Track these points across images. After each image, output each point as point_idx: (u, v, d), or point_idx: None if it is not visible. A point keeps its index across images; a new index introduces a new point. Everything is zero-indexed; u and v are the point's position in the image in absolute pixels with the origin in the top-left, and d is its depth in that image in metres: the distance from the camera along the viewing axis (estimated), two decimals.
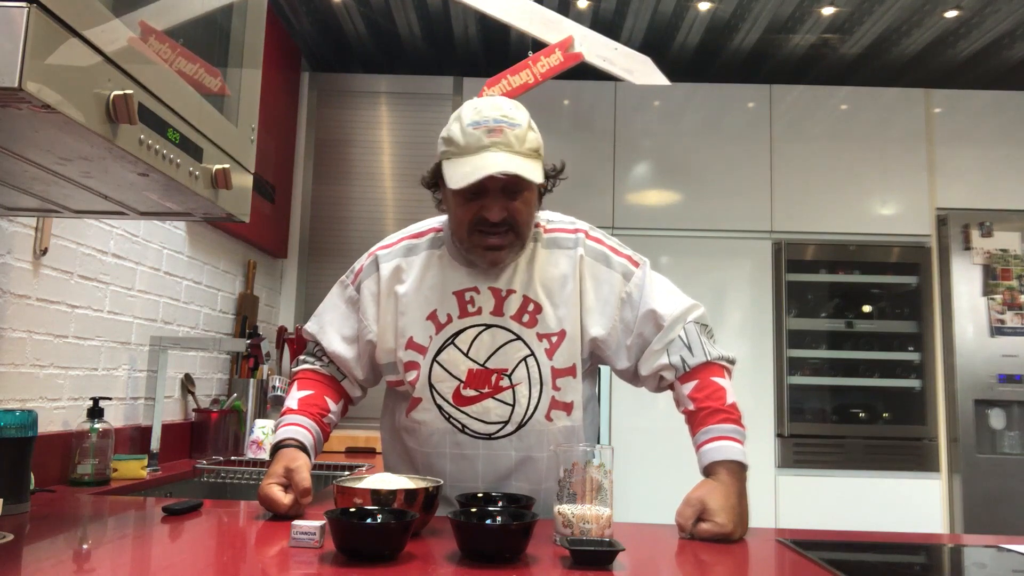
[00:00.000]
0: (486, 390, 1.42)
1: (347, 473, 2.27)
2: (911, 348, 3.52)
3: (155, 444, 2.16)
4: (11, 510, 1.33)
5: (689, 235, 3.57)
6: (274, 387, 2.68)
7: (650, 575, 1.11)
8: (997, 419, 3.41)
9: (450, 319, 1.44)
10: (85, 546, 1.17)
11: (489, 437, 1.43)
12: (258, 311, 3.22)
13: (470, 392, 1.42)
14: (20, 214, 1.65)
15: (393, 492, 1.17)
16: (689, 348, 1.42)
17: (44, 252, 1.78)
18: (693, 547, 1.25)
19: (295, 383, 1.53)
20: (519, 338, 1.43)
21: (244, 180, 1.47)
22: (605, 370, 1.49)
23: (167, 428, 2.30)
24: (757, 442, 3.37)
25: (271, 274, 3.46)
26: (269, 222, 3.26)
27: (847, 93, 3.67)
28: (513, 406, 1.42)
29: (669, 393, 1.49)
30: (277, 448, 1.40)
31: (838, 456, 3.41)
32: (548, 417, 1.43)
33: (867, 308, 3.61)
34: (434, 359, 1.43)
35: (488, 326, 1.43)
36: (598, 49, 2.81)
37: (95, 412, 1.87)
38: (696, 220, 3.59)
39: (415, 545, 1.15)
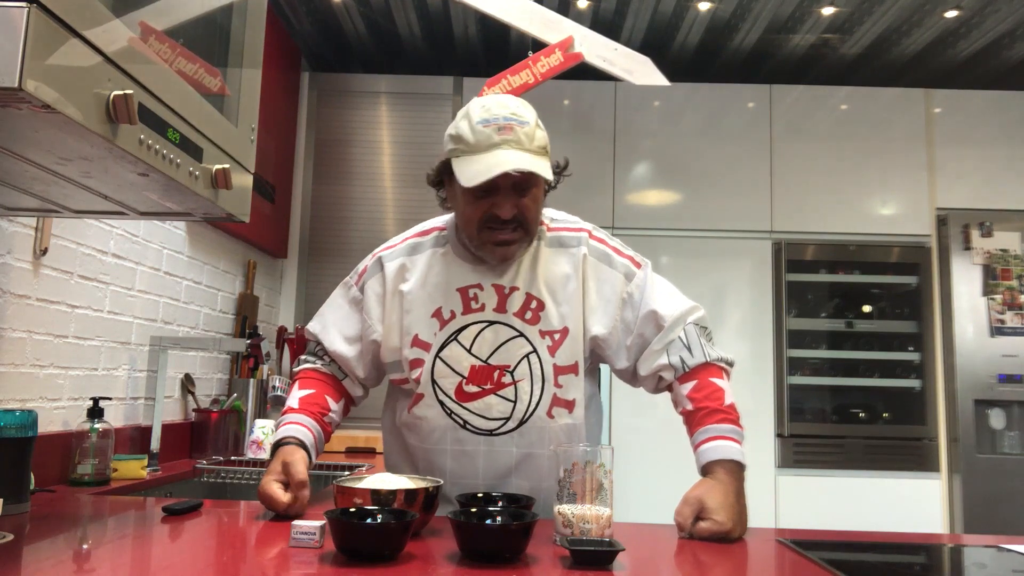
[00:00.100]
0: (488, 386, 1.43)
1: (347, 473, 2.27)
2: (911, 348, 3.52)
3: (155, 444, 2.16)
4: (11, 510, 1.33)
5: (689, 235, 3.57)
6: (274, 387, 2.67)
7: (650, 575, 1.11)
8: (997, 419, 3.41)
9: (453, 315, 1.45)
10: (85, 546, 1.17)
11: (490, 434, 1.43)
12: (258, 311, 3.22)
13: (472, 388, 1.43)
14: (20, 214, 1.65)
15: (393, 492, 1.17)
16: (689, 349, 1.43)
17: (44, 252, 1.78)
18: (693, 547, 1.25)
19: (296, 383, 1.54)
20: (522, 335, 1.43)
21: (244, 180, 1.48)
22: (605, 370, 1.49)
23: (167, 428, 2.30)
24: (757, 442, 3.38)
25: (271, 274, 3.46)
26: (269, 222, 3.26)
27: (847, 93, 3.67)
28: (515, 403, 1.42)
29: (669, 394, 1.49)
30: (277, 446, 1.40)
31: (838, 456, 3.41)
32: (550, 414, 1.43)
33: (867, 308, 3.61)
34: (437, 355, 1.44)
35: (491, 323, 1.44)
36: (598, 49, 2.81)
37: (95, 412, 1.87)
38: (696, 220, 3.59)
39: (415, 545, 1.15)
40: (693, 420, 1.40)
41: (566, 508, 1.18)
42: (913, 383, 3.51)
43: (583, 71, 2.97)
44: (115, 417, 2.09)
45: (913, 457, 3.42)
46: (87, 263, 1.97)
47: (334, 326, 1.53)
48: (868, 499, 3.35)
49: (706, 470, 1.35)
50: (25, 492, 1.39)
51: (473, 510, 1.17)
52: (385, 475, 1.26)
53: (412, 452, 1.51)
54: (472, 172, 1.34)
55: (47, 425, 1.81)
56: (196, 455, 2.48)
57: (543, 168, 1.36)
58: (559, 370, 1.44)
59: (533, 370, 1.43)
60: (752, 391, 3.41)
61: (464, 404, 1.43)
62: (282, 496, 1.32)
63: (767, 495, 3.37)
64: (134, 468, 1.94)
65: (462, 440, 1.44)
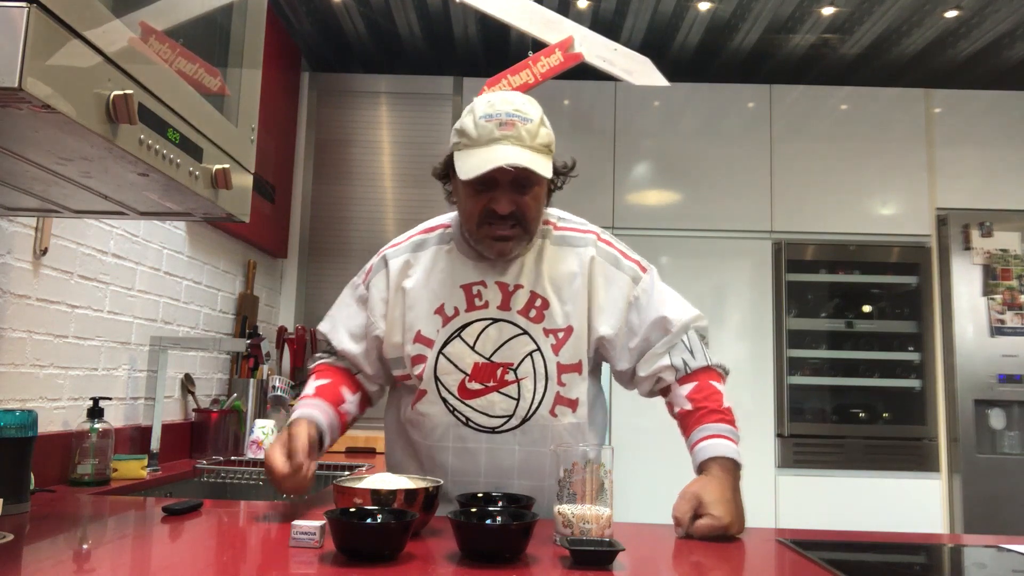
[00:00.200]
0: (491, 384, 1.43)
1: (347, 473, 2.27)
2: (911, 348, 3.52)
3: (155, 444, 2.16)
4: (11, 510, 1.33)
5: (689, 235, 3.57)
6: (274, 387, 2.67)
7: (650, 575, 1.11)
8: (997, 419, 3.41)
9: (457, 312, 1.45)
10: (85, 546, 1.17)
11: (493, 431, 1.43)
12: (258, 311, 3.22)
13: (475, 385, 1.43)
14: (20, 214, 1.65)
15: (393, 492, 1.17)
16: (691, 352, 1.46)
17: (44, 252, 1.78)
18: (693, 547, 1.25)
19: (312, 375, 1.55)
20: (526, 333, 1.44)
21: (244, 180, 1.48)
22: (606, 369, 1.50)
23: (167, 428, 2.30)
24: (757, 442, 3.37)
25: (271, 274, 3.46)
26: (269, 222, 3.26)
27: (847, 93, 3.67)
28: (518, 401, 1.43)
29: (662, 398, 1.52)
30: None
31: (838, 456, 3.41)
32: (553, 413, 1.43)
33: (867, 308, 3.61)
34: (440, 351, 1.44)
35: (495, 320, 1.44)
36: (598, 49, 2.81)
37: (95, 412, 1.87)
38: (696, 220, 3.59)
39: (415, 545, 1.15)
40: (691, 419, 1.42)
41: (566, 508, 1.18)
42: (913, 383, 3.51)
43: (583, 71, 2.97)
44: (115, 417, 2.09)
45: (913, 457, 3.42)
46: (87, 263, 1.97)
47: (342, 324, 1.54)
48: (868, 499, 3.35)
49: (703, 467, 1.36)
50: (25, 492, 1.39)
51: (473, 510, 1.17)
52: (385, 475, 1.26)
53: (415, 448, 1.51)
54: (469, 166, 1.35)
55: (47, 425, 1.81)
56: (196, 455, 2.48)
57: (540, 165, 1.36)
58: (562, 368, 1.44)
59: (536, 368, 1.43)
60: (752, 391, 3.40)
61: (466, 401, 1.43)
62: (281, 465, 1.30)
63: (767, 495, 3.37)
64: (134, 468, 1.94)
65: (464, 437, 1.44)
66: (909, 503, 3.36)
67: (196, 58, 1.27)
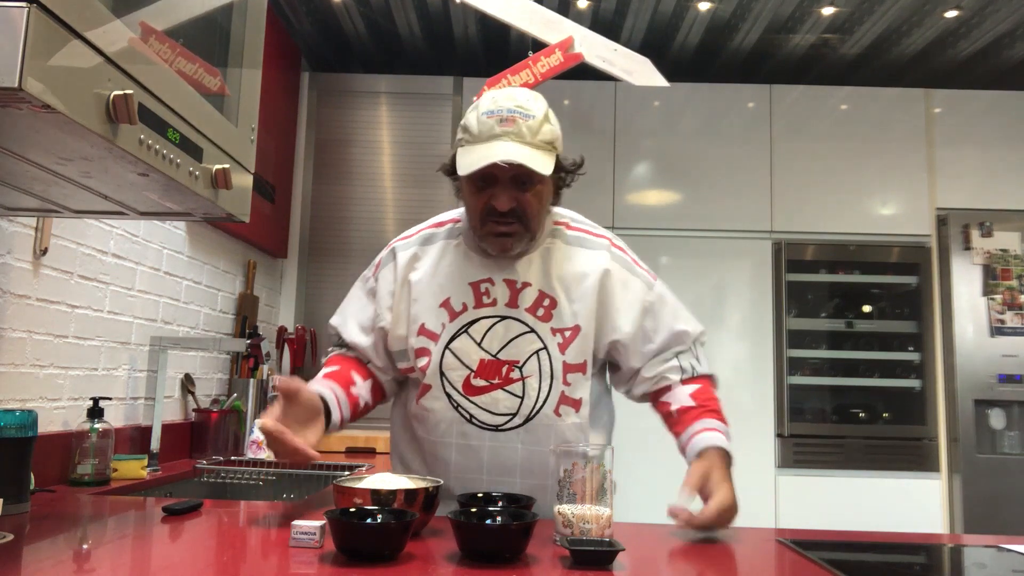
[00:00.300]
0: (496, 381, 1.43)
1: (347, 473, 2.27)
2: (911, 348, 3.52)
3: (155, 444, 2.16)
4: (11, 510, 1.33)
5: (689, 235, 3.57)
6: (274, 387, 2.67)
7: (650, 575, 1.11)
8: (997, 419, 3.41)
9: (465, 308, 1.46)
10: (85, 546, 1.17)
11: (496, 429, 1.43)
12: (258, 311, 3.22)
13: (480, 382, 1.43)
14: (20, 214, 1.65)
15: (393, 492, 1.17)
16: (697, 359, 1.53)
17: (44, 252, 1.78)
18: (693, 547, 1.25)
19: (324, 367, 1.55)
20: (533, 331, 1.44)
21: (244, 180, 1.48)
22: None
23: (167, 428, 2.30)
24: (757, 442, 3.37)
25: (271, 274, 3.46)
26: (269, 222, 3.26)
27: (847, 93, 3.67)
28: (522, 399, 1.43)
29: (650, 403, 1.56)
30: None
31: (838, 456, 3.41)
32: (557, 412, 1.44)
33: (867, 308, 3.61)
34: (446, 346, 1.44)
35: (503, 317, 1.45)
36: (598, 50, 2.81)
37: (95, 412, 1.87)
38: (696, 220, 3.59)
39: (415, 545, 1.15)
40: (693, 413, 1.45)
41: (566, 508, 1.18)
42: (913, 383, 3.51)
43: (583, 71, 2.97)
44: (115, 417, 2.09)
45: (913, 457, 3.42)
46: (87, 263, 1.97)
47: (352, 317, 1.56)
48: (868, 499, 3.35)
49: (704, 453, 1.39)
50: (25, 492, 1.39)
51: (473, 510, 1.17)
52: (385, 475, 1.26)
53: (419, 444, 1.51)
54: (468, 161, 1.36)
55: (47, 425, 1.81)
56: (196, 455, 2.48)
57: (538, 162, 1.35)
58: (568, 368, 1.44)
59: (542, 367, 1.43)
60: (752, 391, 3.40)
61: (471, 398, 1.44)
62: (272, 425, 1.24)
63: (767, 495, 3.37)
64: (134, 468, 1.94)
65: (467, 434, 1.44)
66: (909, 503, 3.36)
67: (196, 58, 1.27)
